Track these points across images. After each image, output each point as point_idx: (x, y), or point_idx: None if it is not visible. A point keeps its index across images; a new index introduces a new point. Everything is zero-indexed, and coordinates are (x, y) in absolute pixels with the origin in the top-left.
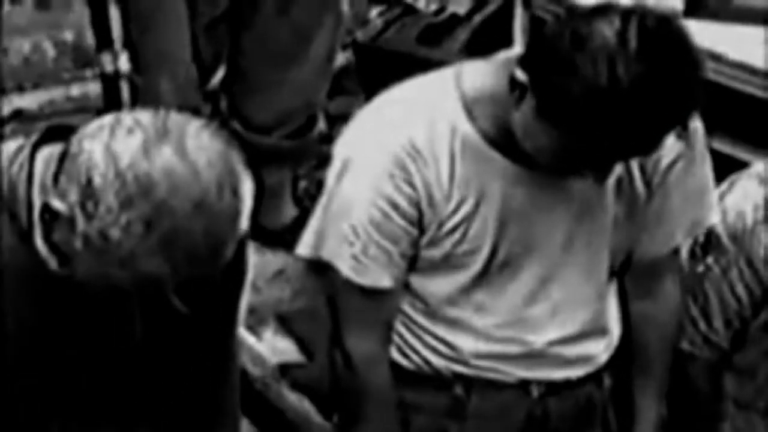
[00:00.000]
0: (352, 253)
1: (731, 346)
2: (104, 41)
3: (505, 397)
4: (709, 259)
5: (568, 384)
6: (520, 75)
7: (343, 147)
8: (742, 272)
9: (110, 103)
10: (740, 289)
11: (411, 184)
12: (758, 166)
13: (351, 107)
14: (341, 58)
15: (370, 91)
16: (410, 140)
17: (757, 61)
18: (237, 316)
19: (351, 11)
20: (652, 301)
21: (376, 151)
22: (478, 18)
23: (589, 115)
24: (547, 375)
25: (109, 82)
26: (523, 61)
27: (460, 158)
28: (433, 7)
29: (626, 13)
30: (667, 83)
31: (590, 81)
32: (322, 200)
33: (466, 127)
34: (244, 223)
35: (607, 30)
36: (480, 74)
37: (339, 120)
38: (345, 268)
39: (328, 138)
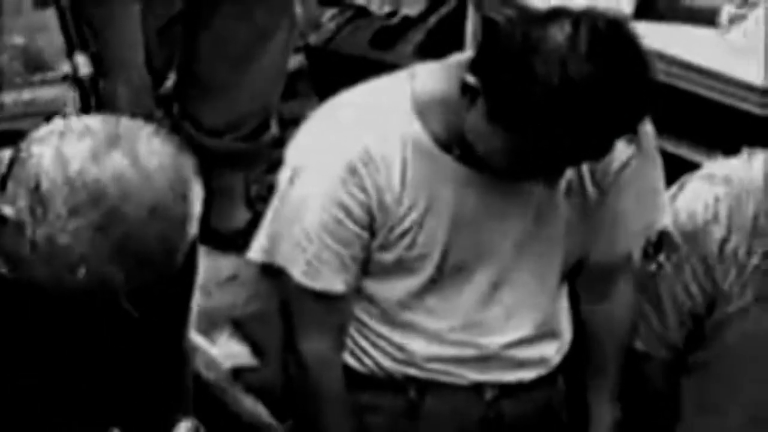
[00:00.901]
0: (304, 257)
1: (686, 345)
2: (71, 45)
3: (459, 400)
4: (662, 258)
5: (521, 386)
6: (472, 79)
7: (295, 151)
8: (695, 271)
9: (84, 106)
10: (694, 288)
11: (363, 189)
12: (709, 166)
13: (304, 111)
14: (294, 62)
15: (322, 95)
16: (362, 145)
17: (706, 62)
18: (188, 320)
19: (303, 14)
20: (605, 303)
21: (328, 156)
22: (431, 20)
23: (540, 117)
24: (501, 377)
25: (80, 85)
26: (474, 65)
27: (412, 162)
28: (386, 9)
29: (577, 17)
30: (617, 86)
31: (541, 84)
32: (274, 204)
33: (418, 132)
34: (195, 227)
35: (558, 33)
36: (432, 78)
37: (291, 123)
38: (297, 272)
39: (281, 142)
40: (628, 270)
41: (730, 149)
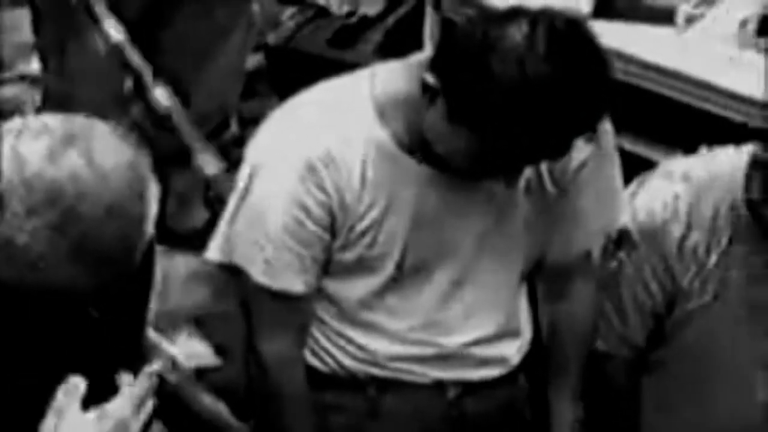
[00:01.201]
0: (263, 257)
1: (647, 344)
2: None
3: (421, 398)
4: (622, 256)
5: (483, 384)
6: (431, 78)
7: (254, 150)
8: (655, 269)
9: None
10: (653, 286)
11: (323, 189)
12: (667, 164)
13: (263, 110)
14: (253, 61)
15: (282, 94)
16: (322, 144)
17: (664, 60)
18: (146, 318)
19: (262, 13)
20: (565, 302)
21: (288, 155)
22: (389, 20)
23: (498, 117)
24: (463, 376)
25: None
26: (433, 64)
27: (372, 162)
28: (345, 9)
29: (535, 16)
30: (576, 85)
31: (499, 83)
32: (233, 203)
33: (378, 132)
34: (152, 226)
35: (516, 33)
36: (391, 77)
37: (251, 123)
38: (257, 272)
39: (241, 141)
40: (588, 269)
41: (689, 147)
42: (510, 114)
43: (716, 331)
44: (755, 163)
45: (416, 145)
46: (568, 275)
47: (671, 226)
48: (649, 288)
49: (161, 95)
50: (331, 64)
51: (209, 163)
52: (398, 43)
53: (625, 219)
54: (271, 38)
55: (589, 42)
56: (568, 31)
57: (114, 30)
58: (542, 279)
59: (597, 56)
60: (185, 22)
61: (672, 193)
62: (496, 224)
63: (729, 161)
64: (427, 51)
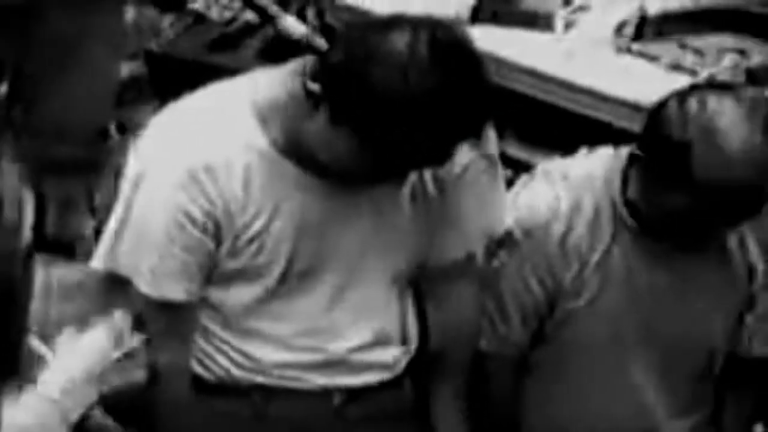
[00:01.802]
0: (148, 266)
1: (531, 344)
2: None
3: (306, 405)
4: (503, 255)
5: (368, 390)
6: (314, 85)
7: (137, 158)
8: (537, 268)
9: None
10: (535, 285)
11: (206, 197)
12: (546, 165)
13: (144, 117)
14: (134, 68)
15: (163, 100)
16: (204, 152)
17: (544, 65)
18: (25, 327)
19: (142, 20)
20: (449, 305)
21: (170, 164)
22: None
23: (382, 125)
24: (348, 382)
25: None
26: (316, 72)
27: (255, 169)
28: (226, 15)
29: (416, 24)
30: (458, 93)
31: (382, 93)
32: (117, 212)
33: (260, 139)
34: (29, 234)
35: (398, 41)
36: (272, 84)
37: (132, 129)
38: (141, 281)
39: (121, 148)
40: (471, 271)
41: (568, 151)
42: (393, 122)
43: (595, 330)
44: (632, 163)
45: (298, 151)
46: (451, 278)
47: (552, 225)
48: (530, 287)
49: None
50: (212, 70)
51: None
52: (279, 49)
53: (508, 222)
54: (152, 45)
55: (470, 50)
56: (450, 40)
57: None
58: (426, 282)
59: (478, 64)
60: (54, 28)
61: (553, 193)
62: (379, 230)
63: (607, 161)
64: (309, 57)
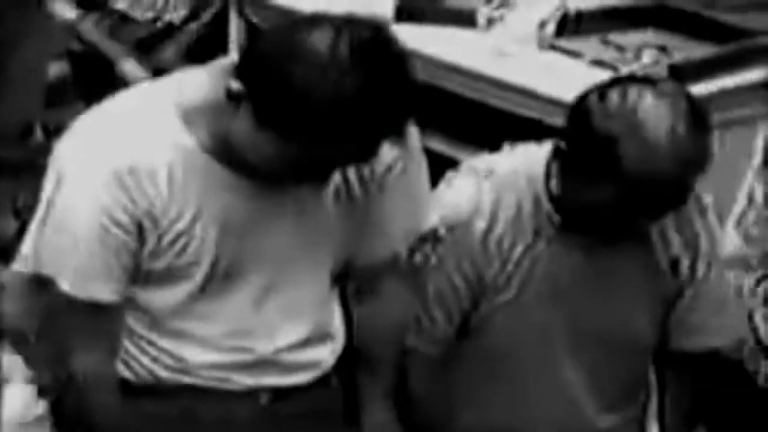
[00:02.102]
0: (72, 266)
1: (457, 340)
2: None
3: (234, 406)
4: (427, 250)
5: (296, 390)
6: (236, 84)
7: (60, 159)
8: (460, 263)
9: None
10: (458, 280)
11: (129, 197)
12: (471, 161)
13: (69, 118)
14: (58, 68)
15: (88, 101)
16: (128, 152)
17: (468, 62)
18: None
19: (65, 21)
20: (375, 303)
21: (94, 163)
22: (194, 26)
23: (305, 124)
24: (275, 382)
25: None
26: (238, 71)
27: (179, 170)
28: (149, 15)
29: (339, 23)
30: (380, 92)
31: (304, 92)
32: (40, 213)
33: (184, 139)
34: None
35: (320, 40)
36: (196, 84)
37: (57, 131)
38: (65, 282)
39: (46, 149)
40: (397, 269)
41: (494, 147)
42: (316, 121)
43: (522, 327)
44: (555, 158)
45: (223, 151)
46: (377, 277)
47: (475, 220)
48: (453, 282)
49: None
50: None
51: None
52: (203, 48)
53: (433, 219)
54: (75, 45)
55: (392, 47)
56: (372, 38)
57: None
58: (352, 281)
59: (401, 61)
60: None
61: (476, 188)
62: (304, 229)
63: (530, 157)
64: (232, 56)
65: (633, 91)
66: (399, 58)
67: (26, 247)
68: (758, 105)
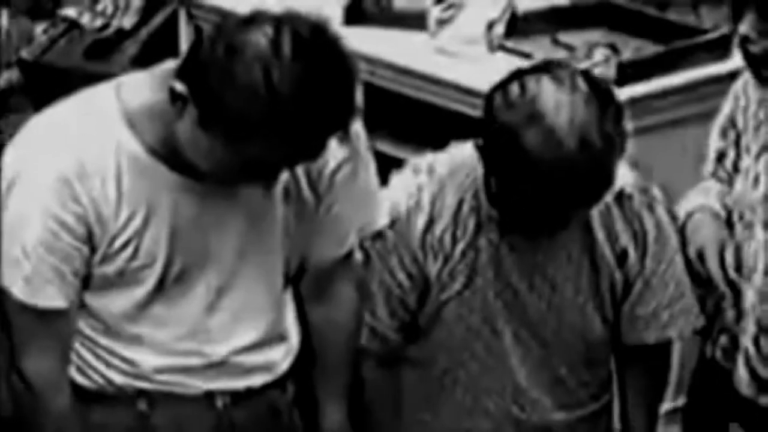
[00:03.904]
0: (21, 273)
1: (404, 338)
2: None
3: (190, 410)
4: (368, 246)
5: (251, 392)
6: (179, 86)
7: (8, 166)
8: (402, 259)
9: None
10: (401, 276)
11: (77, 202)
12: (415, 160)
13: (20, 125)
14: (8, 76)
15: (39, 109)
16: (74, 157)
17: (417, 64)
18: None
19: (15, 28)
20: (328, 304)
21: (41, 170)
22: (144, 31)
23: (247, 124)
24: (230, 385)
25: None
26: (181, 72)
27: (127, 174)
28: (99, 22)
29: (279, 21)
30: (321, 88)
31: (245, 91)
32: None
33: (130, 142)
34: None
35: (260, 38)
36: (140, 87)
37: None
38: (16, 289)
39: None
40: (348, 270)
41: (441, 147)
42: (259, 121)
43: (469, 324)
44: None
45: (169, 153)
46: (329, 277)
47: (415, 216)
48: (396, 278)
49: None
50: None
51: None
52: (154, 54)
53: (384, 219)
54: (25, 53)
55: (333, 45)
56: (313, 35)
57: None
58: (305, 282)
59: (342, 59)
60: None
61: (416, 185)
62: (254, 231)
63: (472, 154)
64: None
65: (531, 81)
66: (340, 55)
67: None
68: (709, 101)
